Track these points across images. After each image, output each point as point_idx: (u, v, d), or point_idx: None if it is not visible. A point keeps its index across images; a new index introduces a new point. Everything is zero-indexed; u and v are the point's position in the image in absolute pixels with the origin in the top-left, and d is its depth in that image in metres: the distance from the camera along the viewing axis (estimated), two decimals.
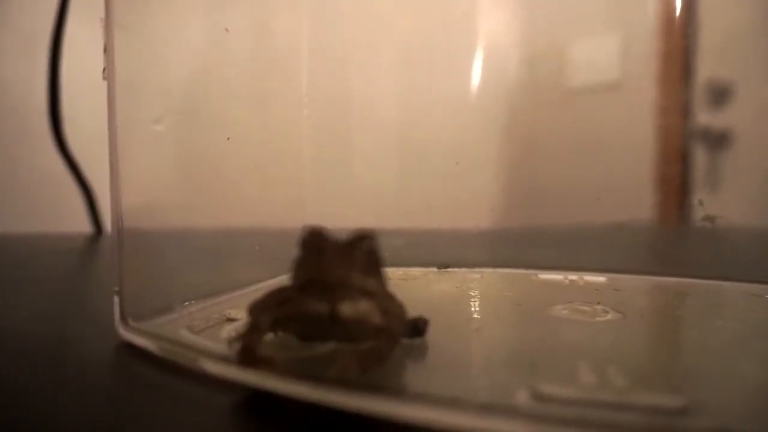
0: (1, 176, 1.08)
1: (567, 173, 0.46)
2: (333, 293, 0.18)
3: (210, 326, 0.24)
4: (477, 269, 0.41)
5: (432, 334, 0.22)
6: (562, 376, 0.18)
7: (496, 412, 0.14)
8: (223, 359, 0.19)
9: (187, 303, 0.27)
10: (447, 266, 0.42)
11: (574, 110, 0.47)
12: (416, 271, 0.41)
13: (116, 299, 0.24)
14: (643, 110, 0.43)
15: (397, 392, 0.17)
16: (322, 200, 0.43)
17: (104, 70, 0.24)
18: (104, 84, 0.25)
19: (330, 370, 0.16)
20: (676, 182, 0.44)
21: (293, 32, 0.42)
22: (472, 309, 0.30)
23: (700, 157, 0.43)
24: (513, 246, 0.45)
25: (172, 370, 0.20)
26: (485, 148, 0.47)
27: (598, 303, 0.29)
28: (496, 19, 0.46)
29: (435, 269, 0.42)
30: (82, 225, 0.96)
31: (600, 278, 0.36)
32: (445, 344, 0.22)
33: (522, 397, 0.15)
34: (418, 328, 0.21)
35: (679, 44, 0.42)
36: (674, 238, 0.45)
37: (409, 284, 0.36)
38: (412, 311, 0.22)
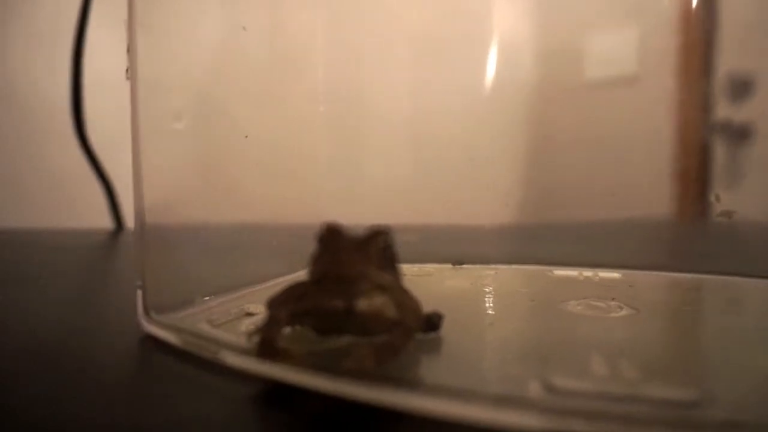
0: (25, 173, 1.11)
1: (583, 168, 0.45)
2: (349, 288, 0.18)
3: (229, 320, 0.25)
4: (491, 265, 0.41)
5: (446, 329, 0.22)
6: (575, 369, 0.18)
7: (508, 404, 0.15)
8: (243, 352, 0.20)
9: (207, 297, 0.27)
10: (462, 262, 0.42)
11: (591, 105, 0.46)
12: (431, 267, 0.41)
13: (139, 293, 0.25)
14: (662, 104, 0.42)
15: (412, 384, 0.17)
16: (338, 196, 0.44)
17: (127, 70, 0.25)
18: (124, 83, 0.25)
19: (346, 363, 0.17)
20: (694, 177, 0.43)
21: (309, 30, 0.42)
22: (487, 305, 0.30)
23: (719, 151, 0.42)
24: (528, 242, 0.45)
25: (193, 362, 0.21)
26: (500, 144, 0.47)
27: (613, 299, 0.29)
28: (511, 13, 0.45)
29: (450, 265, 0.42)
30: (104, 221, 0.98)
31: (615, 274, 0.36)
32: (459, 339, 0.22)
33: (534, 390, 0.16)
34: (432, 322, 0.22)
35: (698, 36, 0.41)
36: (691, 233, 0.44)
37: (424, 280, 0.37)
38: (427, 307, 0.22)
